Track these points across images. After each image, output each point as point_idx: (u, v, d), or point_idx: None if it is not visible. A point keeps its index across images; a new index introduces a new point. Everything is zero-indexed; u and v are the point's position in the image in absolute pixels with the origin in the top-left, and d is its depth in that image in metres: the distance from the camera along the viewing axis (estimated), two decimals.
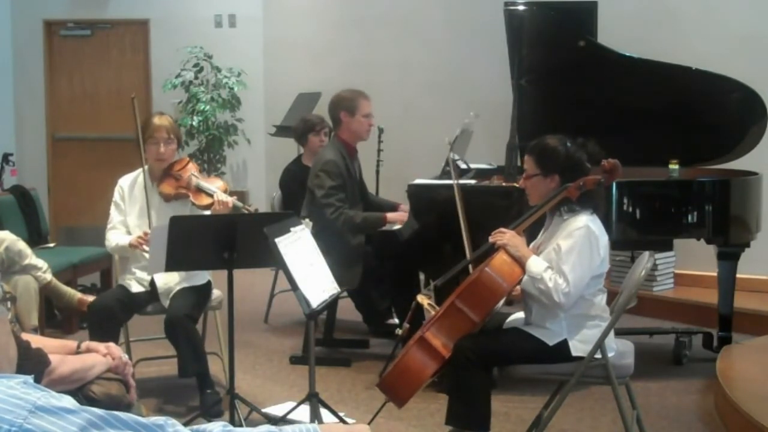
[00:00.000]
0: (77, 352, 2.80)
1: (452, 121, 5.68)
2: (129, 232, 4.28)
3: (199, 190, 4.23)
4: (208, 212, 4.24)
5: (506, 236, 3.35)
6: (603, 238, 3.31)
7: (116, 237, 4.28)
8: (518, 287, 3.34)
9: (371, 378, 4.49)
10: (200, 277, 4.31)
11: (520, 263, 3.29)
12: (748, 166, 5.03)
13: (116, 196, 4.36)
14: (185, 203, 4.24)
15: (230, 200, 4.16)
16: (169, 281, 4.22)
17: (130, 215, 4.30)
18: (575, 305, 3.27)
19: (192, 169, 4.31)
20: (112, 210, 4.35)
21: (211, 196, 4.20)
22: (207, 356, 4.24)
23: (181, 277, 4.23)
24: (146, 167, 4.30)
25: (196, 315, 4.23)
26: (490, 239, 3.40)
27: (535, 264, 3.25)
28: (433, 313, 3.39)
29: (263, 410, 4.02)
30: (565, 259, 3.20)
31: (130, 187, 4.34)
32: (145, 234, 4.08)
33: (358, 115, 4.92)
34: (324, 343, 5.21)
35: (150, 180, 4.31)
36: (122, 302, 4.15)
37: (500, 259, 3.32)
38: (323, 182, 4.79)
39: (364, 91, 5.07)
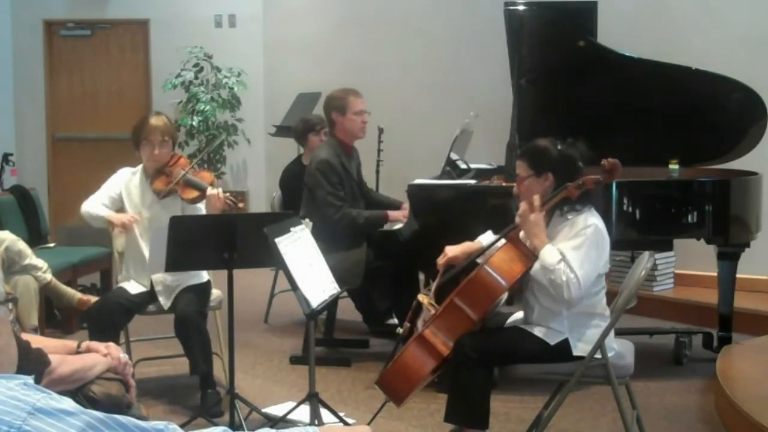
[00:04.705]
0: (77, 352, 2.80)
1: (452, 121, 5.68)
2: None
3: (187, 185, 4.24)
4: (200, 206, 4.25)
5: (533, 216, 3.28)
6: (608, 238, 3.32)
7: (97, 206, 4.27)
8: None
9: (371, 378, 4.48)
10: (200, 277, 4.31)
11: (524, 257, 3.28)
12: (748, 166, 5.02)
13: (114, 177, 4.38)
14: (176, 199, 4.25)
15: (222, 195, 4.16)
16: (166, 281, 4.22)
17: (128, 210, 4.31)
18: (578, 303, 3.27)
19: (183, 164, 4.32)
20: (106, 184, 4.36)
21: (201, 190, 4.21)
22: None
23: (179, 276, 4.22)
24: (142, 166, 4.34)
25: (205, 312, 4.25)
26: (521, 208, 3.33)
27: (550, 254, 3.22)
28: (432, 311, 3.39)
29: (263, 410, 4.02)
30: (574, 257, 3.20)
31: (127, 181, 4.35)
32: (132, 218, 4.15)
33: (349, 114, 4.89)
34: (324, 343, 5.21)
35: (144, 178, 4.33)
36: (122, 305, 4.14)
37: (499, 257, 3.32)
38: (320, 182, 4.78)
39: (365, 90, 5.05)
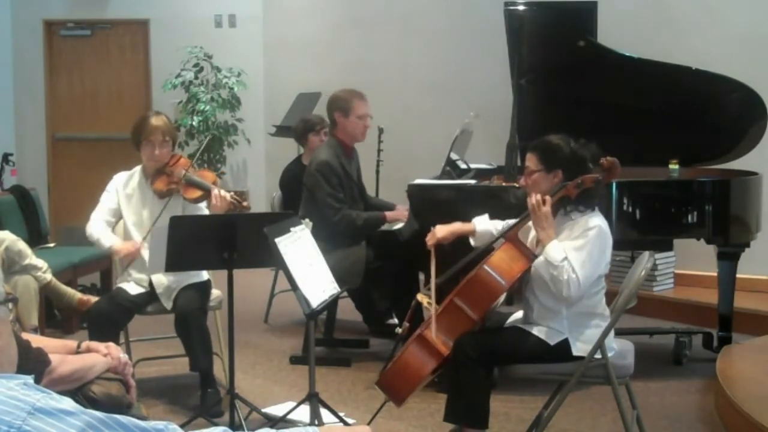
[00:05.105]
0: (77, 351, 2.80)
1: (452, 121, 5.68)
2: (122, 228, 4.31)
3: (189, 185, 4.24)
4: (202, 205, 4.25)
5: (543, 210, 3.27)
6: (611, 240, 3.32)
7: (100, 229, 4.24)
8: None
9: (371, 378, 4.48)
10: (200, 275, 4.31)
11: (524, 257, 3.27)
12: (748, 166, 5.02)
13: (110, 187, 4.36)
14: (178, 199, 4.25)
15: (227, 195, 4.16)
16: (167, 282, 4.22)
17: (126, 213, 4.30)
18: (578, 303, 3.27)
19: (183, 164, 4.32)
20: (104, 197, 4.34)
21: (203, 190, 4.21)
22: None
23: (179, 276, 4.22)
24: (141, 167, 4.33)
25: (206, 309, 4.26)
26: (529, 199, 3.33)
27: (556, 250, 3.22)
28: (432, 311, 3.39)
29: (263, 410, 4.02)
30: (576, 257, 3.20)
31: (124, 184, 4.34)
32: (139, 246, 4.10)
33: (352, 116, 4.88)
34: (324, 343, 5.21)
35: (144, 178, 4.32)
36: (122, 305, 4.14)
37: (498, 256, 3.32)
38: (319, 183, 4.79)
39: (365, 90, 5.04)
